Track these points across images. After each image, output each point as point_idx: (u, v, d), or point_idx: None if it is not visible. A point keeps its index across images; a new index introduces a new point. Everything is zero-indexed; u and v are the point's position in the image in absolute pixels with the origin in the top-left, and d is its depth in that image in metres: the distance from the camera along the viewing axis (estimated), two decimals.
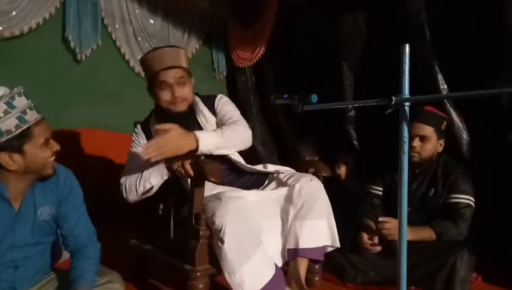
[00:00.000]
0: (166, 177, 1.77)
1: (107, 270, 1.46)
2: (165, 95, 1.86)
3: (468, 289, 1.91)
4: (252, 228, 1.67)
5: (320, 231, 1.84)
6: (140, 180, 1.77)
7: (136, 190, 1.77)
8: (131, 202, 1.84)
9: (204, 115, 1.97)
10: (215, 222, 1.62)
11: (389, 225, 1.99)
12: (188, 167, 1.66)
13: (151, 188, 1.76)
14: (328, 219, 1.87)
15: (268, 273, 1.65)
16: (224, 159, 1.92)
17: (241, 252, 1.60)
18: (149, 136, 1.91)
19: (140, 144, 1.93)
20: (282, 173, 1.98)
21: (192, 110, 1.96)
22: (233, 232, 1.59)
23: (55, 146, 1.33)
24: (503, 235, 2.24)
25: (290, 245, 1.81)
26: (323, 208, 1.86)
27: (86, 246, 1.44)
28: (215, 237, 1.64)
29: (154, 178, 1.76)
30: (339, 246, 1.90)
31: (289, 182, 1.89)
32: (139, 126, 2.02)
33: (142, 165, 1.78)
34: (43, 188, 1.37)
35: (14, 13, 2.68)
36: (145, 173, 1.78)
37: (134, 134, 2.01)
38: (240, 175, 1.99)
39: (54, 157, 1.33)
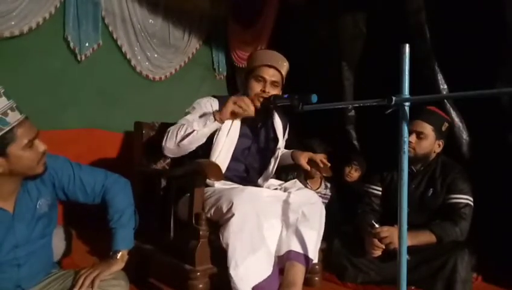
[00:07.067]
0: (209, 124, 1.82)
1: None
2: (256, 87, 1.99)
3: (470, 289, 1.91)
4: (261, 223, 1.70)
5: (311, 242, 1.84)
6: (183, 127, 1.83)
7: (176, 136, 1.82)
8: (167, 151, 1.87)
9: (276, 118, 2.16)
10: (229, 211, 1.63)
11: (385, 233, 1.98)
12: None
13: (192, 132, 1.80)
14: (318, 233, 1.88)
15: (267, 270, 1.66)
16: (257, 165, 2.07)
17: (249, 245, 1.61)
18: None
19: (206, 109, 1.98)
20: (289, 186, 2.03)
21: (271, 110, 2.11)
22: (246, 225, 1.62)
23: (41, 147, 1.27)
24: (503, 235, 2.24)
25: (284, 249, 1.80)
26: (320, 224, 1.89)
27: (108, 191, 1.48)
28: (224, 228, 1.64)
29: (197, 124, 1.82)
30: (316, 261, 1.94)
31: (294, 191, 1.92)
32: (215, 99, 2.05)
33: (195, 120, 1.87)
34: (34, 182, 1.34)
35: (14, 13, 2.67)
36: (190, 120, 1.87)
37: (204, 100, 2.03)
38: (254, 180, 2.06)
39: (42, 158, 1.28)
